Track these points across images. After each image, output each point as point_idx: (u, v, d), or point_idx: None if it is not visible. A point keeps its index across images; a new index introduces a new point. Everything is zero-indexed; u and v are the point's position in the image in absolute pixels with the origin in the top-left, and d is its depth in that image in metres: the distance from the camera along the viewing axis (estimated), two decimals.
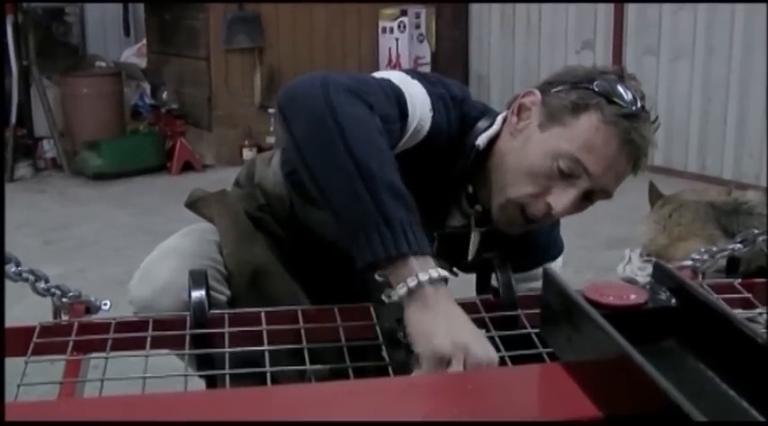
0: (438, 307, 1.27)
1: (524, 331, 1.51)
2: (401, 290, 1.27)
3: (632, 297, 1.00)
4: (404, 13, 6.50)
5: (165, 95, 6.08)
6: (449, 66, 6.73)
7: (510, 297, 1.62)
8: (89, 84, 6.06)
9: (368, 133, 1.37)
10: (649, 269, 3.75)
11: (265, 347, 1.42)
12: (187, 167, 5.85)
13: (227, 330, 1.48)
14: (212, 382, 1.46)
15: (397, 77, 1.60)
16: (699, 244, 3.39)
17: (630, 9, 5.85)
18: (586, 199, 1.61)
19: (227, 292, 1.77)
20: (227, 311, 1.57)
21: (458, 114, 1.67)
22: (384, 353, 1.45)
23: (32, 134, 5.88)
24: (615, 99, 1.56)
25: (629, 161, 1.59)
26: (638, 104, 1.58)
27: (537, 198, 1.58)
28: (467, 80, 6.97)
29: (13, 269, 1.52)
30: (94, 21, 8.16)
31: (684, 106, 5.63)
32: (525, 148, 1.59)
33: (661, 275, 1.04)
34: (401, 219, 1.29)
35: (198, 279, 1.53)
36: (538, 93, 1.62)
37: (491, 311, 1.59)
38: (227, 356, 1.40)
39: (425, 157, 1.63)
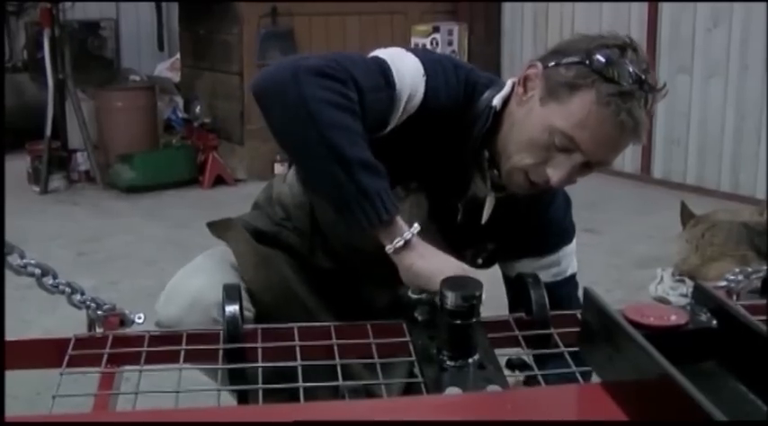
0: (428, 251, 1.53)
1: (558, 350, 1.50)
2: (398, 244, 1.51)
3: (672, 318, 1.00)
4: (436, 29, 6.51)
5: (197, 109, 6.12)
6: None
7: (543, 316, 1.61)
8: (123, 97, 6.13)
9: (338, 116, 1.48)
10: (681, 288, 3.73)
11: (298, 362, 1.42)
12: (219, 181, 5.89)
13: (260, 345, 1.48)
14: (244, 397, 1.46)
15: (388, 52, 1.68)
16: (731, 264, 3.36)
17: (664, 26, 5.83)
18: (586, 167, 1.66)
19: (253, 309, 1.77)
20: (260, 325, 1.57)
21: (462, 79, 1.72)
22: (417, 370, 1.44)
23: (67, 146, 5.94)
24: (611, 76, 1.57)
25: (624, 136, 1.61)
26: (638, 79, 1.58)
27: (538, 166, 1.65)
28: None
29: (51, 281, 1.53)
30: (129, 35, 8.26)
31: (718, 124, 5.59)
32: (527, 120, 1.65)
33: (701, 296, 1.03)
34: (376, 190, 1.48)
35: (231, 293, 1.53)
36: (540, 65, 1.66)
37: (524, 329, 1.58)
38: (260, 371, 1.40)
39: (434, 124, 1.68)
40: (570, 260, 1.94)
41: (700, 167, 5.75)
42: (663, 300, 3.72)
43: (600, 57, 1.59)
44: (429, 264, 1.50)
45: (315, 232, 1.87)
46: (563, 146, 1.61)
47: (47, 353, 1.48)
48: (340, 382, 1.38)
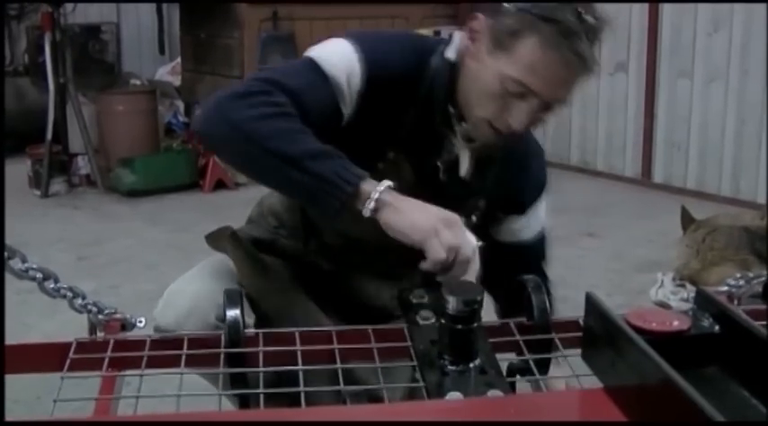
0: (402, 204, 1.53)
1: (558, 354, 1.50)
2: (370, 206, 1.52)
3: (675, 323, 1.00)
4: (437, 34, 6.51)
5: (198, 113, 6.11)
6: None
7: (544, 321, 1.61)
8: (124, 101, 6.12)
9: (270, 125, 1.55)
10: (682, 293, 3.73)
11: (300, 366, 1.42)
12: (220, 185, 5.89)
13: (261, 349, 1.48)
14: (245, 401, 1.46)
15: (317, 47, 1.75)
16: (732, 269, 3.36)
17: (665, 31, 5.84)
18: (545, 108, 1.70)
19: (253, 315, 1.79)
20: (262, 330, 1.57)
21: (406, 43, 1.80)
22: (418, 375, 1.44)
23: (68, 150, 5.94)
24: (550, 17, 1.61)
25: (574, 73, 1.66)
26: (577, 14, 1.62)
27: (498, 115, 1.69)
28: None
29: (52, 285, 1.53)
30: (130, 39, 8.27)
31: (718, 129, 5.60)
32: (480, 72, 1.69)
33: (704, 301, 1.03)
34: (332, 170, 1.52)
35: (233, 297, 1.53)
36: (481, 17, 1.70)
37: (525, 334, 1.58)
38: (261, 376, 1.39)
39: (393, 92, 1.73)
40: (544, 212, 2.02)
41: (700, 171, 5.75)
42: (663, 305, 3.72)
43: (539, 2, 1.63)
44: (403, 218, 1.52)
45: (309, 230, 1.90)
46: (517, 92, 1.65)
47: (48, 357, 1.47)
48: (341, 387, 1.38)
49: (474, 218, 1.89)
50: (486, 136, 1.74)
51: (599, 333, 0.98)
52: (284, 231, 1.94)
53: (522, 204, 1.95)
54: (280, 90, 1.59)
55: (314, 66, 1.68)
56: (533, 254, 1.99)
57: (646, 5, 5.91)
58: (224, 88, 1.64)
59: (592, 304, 0.99)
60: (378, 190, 1.53)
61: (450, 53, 1.76)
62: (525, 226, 1.97)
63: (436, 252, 1.50)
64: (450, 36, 1.81)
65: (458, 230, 1.53)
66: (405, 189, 1.64)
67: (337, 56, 1.71)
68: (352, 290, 1.92)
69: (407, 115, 1.76)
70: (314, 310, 1.87)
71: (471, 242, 1.56)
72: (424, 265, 1.52)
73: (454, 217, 1.54)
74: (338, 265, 1.91)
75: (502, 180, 1.90)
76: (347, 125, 1.72)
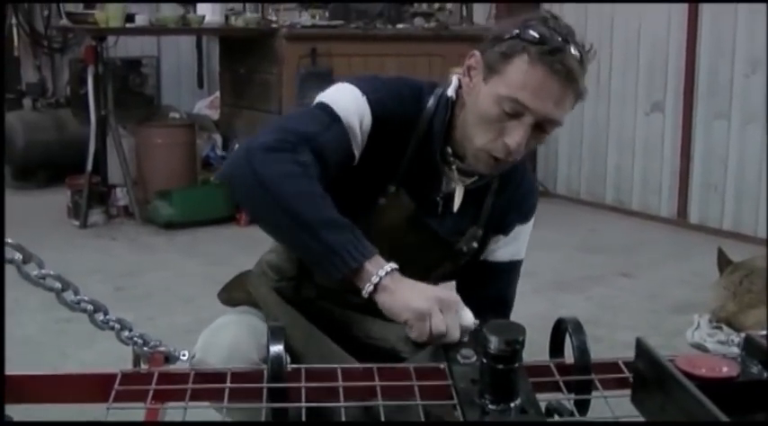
0: (399, 287, 1.58)
1: (599, 396, 1.49)
2: (369, 289, 1.58)
3: (724, 369, 1.00)
4: None
5: (236, 147, 6.17)
6: None
7: (584, 361, 1.60)
8: (163, 134, 6.19)
9: (293, 185, 1.61)
10: (719, 335, 3.68)
11: (342, 403, 1.43)
12: None
13: (303, 384, 1.49)
14: None
15: (326, 92, 1.83)
16: None
17: (702, 72, 5.84)
18: (539, 130, 1.78)
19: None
20: (304, 366, 1.58)
21: (403, 84, 1.91)
22: (459, 413, 1.44)
23: (106, 182, 6.01)
24: (539, 40, 1.72)
25: (561, 85, 1.74)
26: (564, 38, 1.73)
27: (495, 140, 1.77)
28: None
29: (102, 317, 1.55)
30: (170, 73, 8.38)
31: (755, 170, 5.57)
32: (476, 102, 1.79)
33: (752, 348, 1.04)
34: (342, 244, 1.57)
35: (277, 333, 1.54)
36: (478, 53, 1.81)
37: (565, 375, 1.58)
38: (303, 411, 1.40)
39: (395, 131, 1.83)
40: (525, 242, 2.08)
41: (737, 213, 5.72)
42: (700, 347, 3.69)
43: (526, 28, 1.74)
44: (395, 301, 1.58)
45: (307, 276, 1.96)
46: (512, 111, 1.73)
47: (91, 388, 1.49)
48: (383, 422, 1.39)
49: (475, 245, 1.97)
50: (486, 166, 1.83)
51: (649, 377, 0.98)
52: (285, 283, 2.00)
53: (507, 225, 2.02)
54: (303, 143, 1.67)
55: (327, 109, 1.77)
56: (504, 276, 2.06)
57: (683, 46, 5.91)
58: (251, 139, 1.71)
59: (642, 348, 1.00)
60: (379, 275, 1.58)
61: (451, 91, 1.87)
62: (503, 247, 2.03)
63: (419, 335, 1.56)
64: (444, 82, 1.91)
65: (452, 314, 1.57)
66: (405, 221, 1.80)
67: (349, 99, 1.79)
68: (360, 332, 1.97)
69: (407, 152, 1.86)
70: (337, 348, 1.91)
71: (467, 321, 1.60)
72: (411, 336, 1.60)
73: (453, 299, 1.59)
74: (342, 307, 1.97)
75: (495, 208, 1.98)
76: (356, 165, 1.81)
